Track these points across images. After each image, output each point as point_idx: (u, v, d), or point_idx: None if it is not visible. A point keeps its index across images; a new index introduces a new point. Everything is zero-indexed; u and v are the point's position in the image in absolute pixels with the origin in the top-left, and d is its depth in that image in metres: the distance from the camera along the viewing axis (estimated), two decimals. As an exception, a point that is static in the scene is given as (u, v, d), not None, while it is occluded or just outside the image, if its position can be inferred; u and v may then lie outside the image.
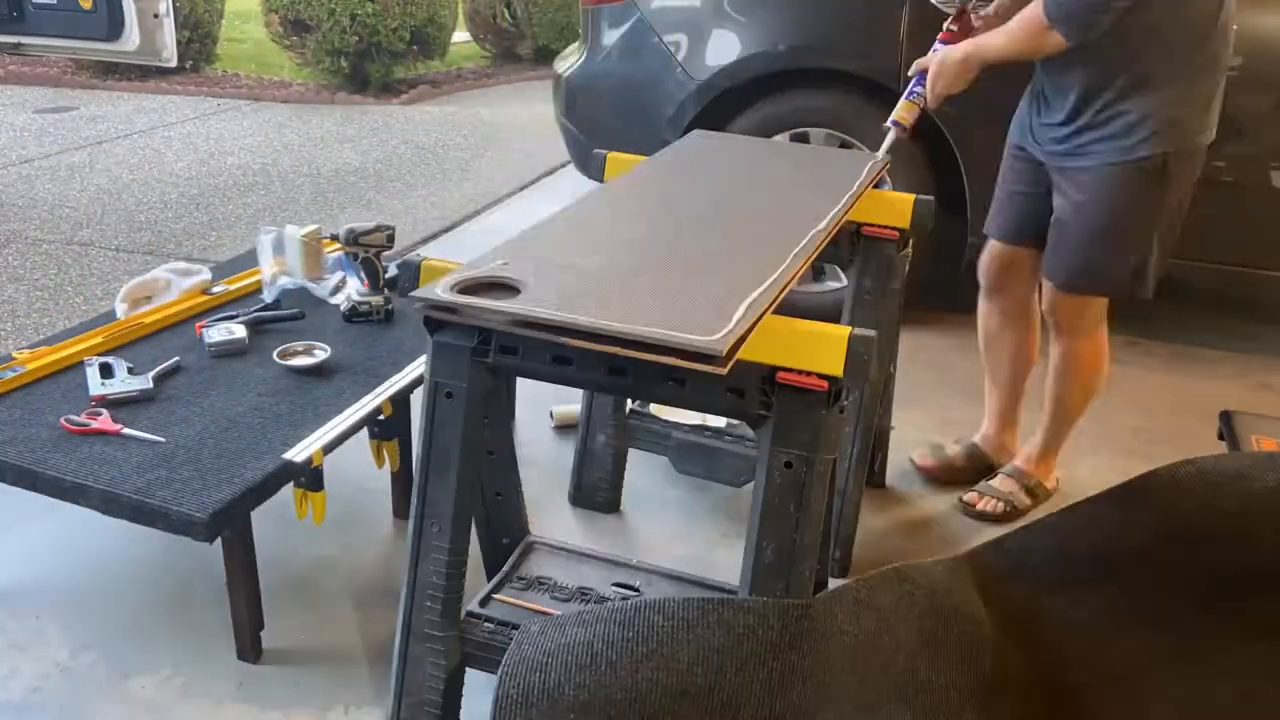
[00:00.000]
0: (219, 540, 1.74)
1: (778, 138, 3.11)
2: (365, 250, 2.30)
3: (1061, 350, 2.26)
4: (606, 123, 3.49)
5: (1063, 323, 2.22)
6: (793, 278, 1.47)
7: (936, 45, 2.19)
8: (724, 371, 1.22)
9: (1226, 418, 2.10)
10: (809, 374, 1.34)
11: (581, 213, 1.70)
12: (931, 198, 2.02)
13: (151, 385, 1.98)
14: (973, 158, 3.00)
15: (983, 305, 2.41)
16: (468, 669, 1.62)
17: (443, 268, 1.49)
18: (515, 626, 1.59)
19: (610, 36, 3.39)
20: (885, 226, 2.01)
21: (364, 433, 2.01)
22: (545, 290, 1.35)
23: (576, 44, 3.71)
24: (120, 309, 2.29)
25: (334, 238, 2.46)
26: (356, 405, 1.96)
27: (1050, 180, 2.16)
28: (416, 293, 1.36)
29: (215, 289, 2.39)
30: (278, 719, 1.75)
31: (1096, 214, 2.05)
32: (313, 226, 2.45)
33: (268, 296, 2.38)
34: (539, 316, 1.28)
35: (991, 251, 2.34)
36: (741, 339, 1.25)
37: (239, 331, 2.17)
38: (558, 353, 1.42)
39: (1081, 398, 2.29)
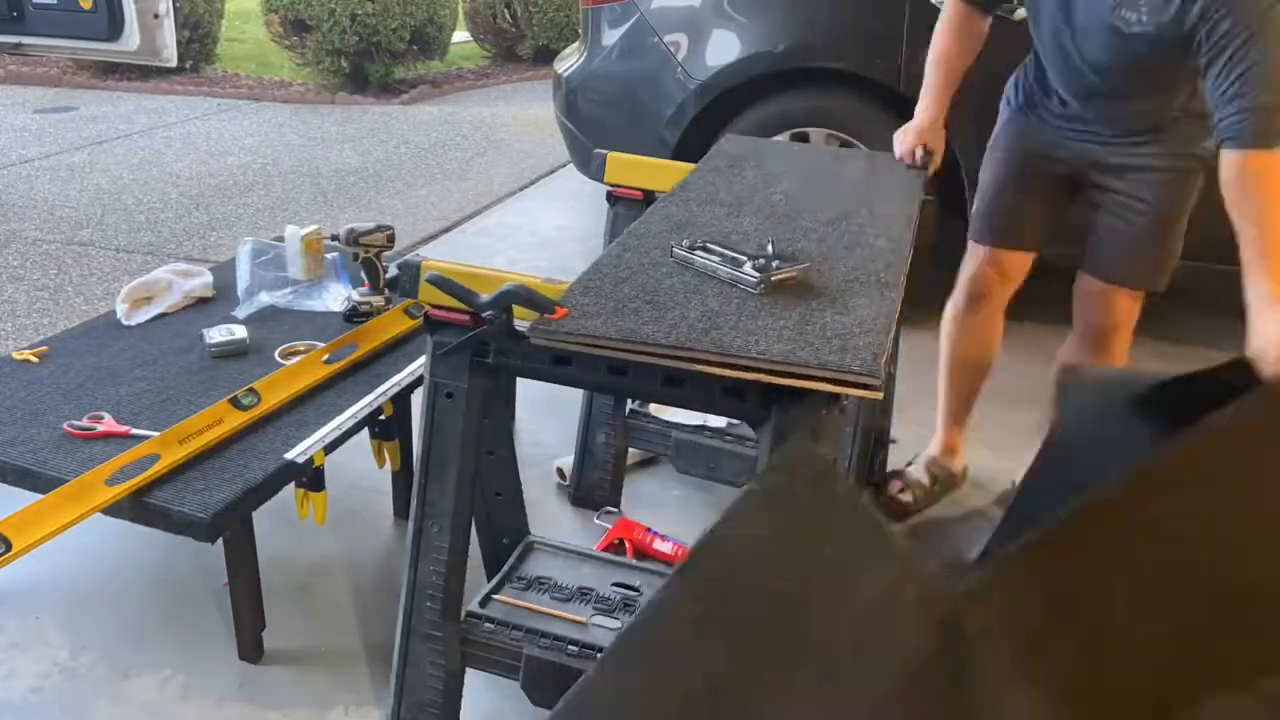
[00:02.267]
0: (220, 540, 1.74)
1: (778, 138, 3.11)
2: (365, 250, 2.30)
3: (1108, 348, 2.18)
4: (606, 123, 3.50)
5: (1123, 322, 2.15)
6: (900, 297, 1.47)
7: None
8: (879, 396, 1.26)
9: None
10: (810, 374, 1.34)
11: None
12: (932, 198, 2.02)
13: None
14: (973, 160, 3.00)
15: (968, 313, 2.33)
16: (468, 669, 1.62)
17: (443, 268, 1.49)
18: (515, 626, 1.59)
19: (610, 36, 3.40)
20: (885, 227, 2.01)
21: (365, 433, 2.01)
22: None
23: (576, 44, 3.72)
24: (121, 309, 2.29)
25: (334, 238, 2.46)
26: (357, 405, 1.97)
27: (1078, 183, 2.11)
28: (535, 329, 1.32)
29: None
30: (278, 719, 1.75)
31: (1165, 210, 2.00)
32: (313, 226, 2.45)
33: (241, 313, 2.33)
34: (683, 350, 1.28)
35: (989, 259, 2.25)
36: (887, 361, 1.27)
37: (239, 332, 2.17)
38: (558, 353, 1.41)
39: None
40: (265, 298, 2.37)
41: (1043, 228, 2.19)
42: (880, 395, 1.25)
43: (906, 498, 2.40)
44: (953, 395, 2.45)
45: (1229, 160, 1.59)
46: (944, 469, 2.47)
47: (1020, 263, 2.25)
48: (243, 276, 2.41)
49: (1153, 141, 1.97)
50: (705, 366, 1.28)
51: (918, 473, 2.45)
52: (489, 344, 1.45)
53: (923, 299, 3.02)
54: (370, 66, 7.14)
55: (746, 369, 1.27)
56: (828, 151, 2.90)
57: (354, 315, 2.31)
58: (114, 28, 4.09)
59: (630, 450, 2.38)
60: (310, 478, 1.84)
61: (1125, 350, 2.19)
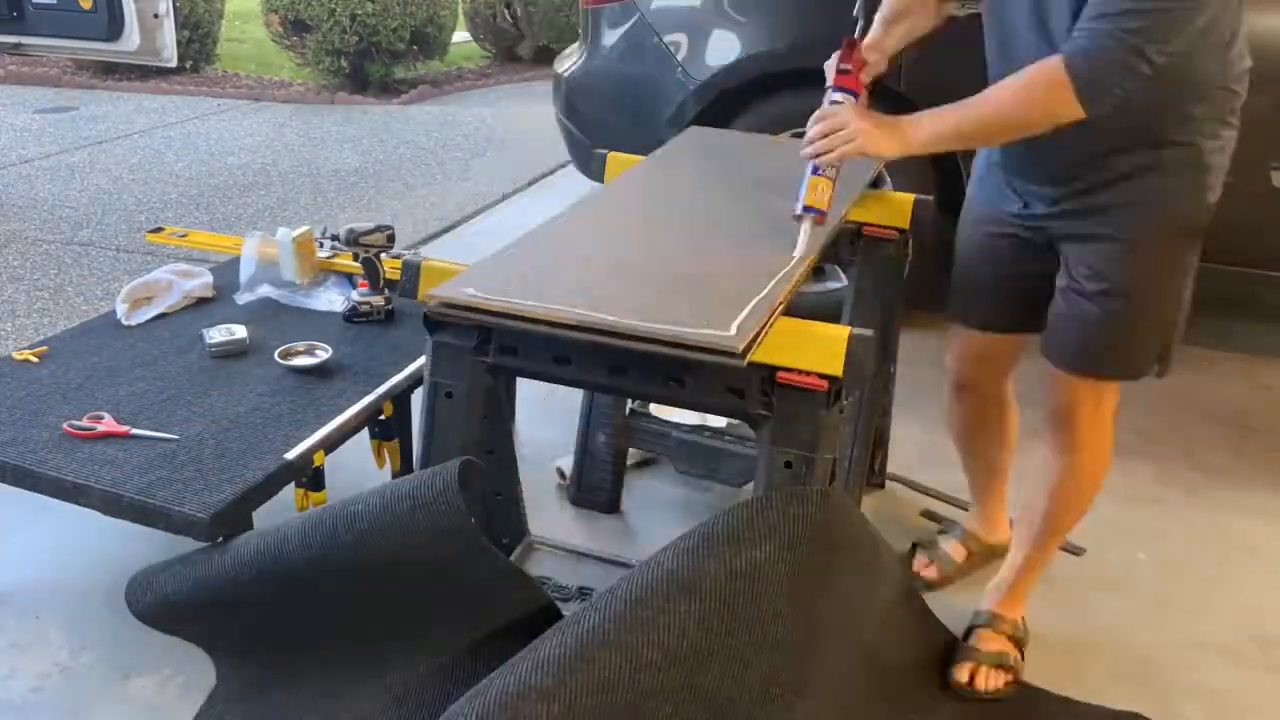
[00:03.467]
0: (220, 540, 1.74)
1: (778, 138, 3.11)
2: (365, 250, 2.30)
3: (1069, 460, 1.85)
4: (606, 123, 3.49)
5: (1082, 419, 1.81)
6: (800, 278, 1.48)
7: (831, 96, 1.70)
8: (743, 364, 1.24)
9: None
10: (809, 374, 1.34)
11: (582, 215, 1.70)
12: (931, 198, 2.02)
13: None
14: (969, 152, 2.99)
15: (955, 401, 2.07)
16: (468, 669, 1.61)
17: (443, 268, 1.49)
18: (515, 626, 1.59)
19: (610, 36, 3.39)
20: (885, 227, 2.01)
21: (364, 433, 2.01)
22: (555, 290, 1.35)
23: (576, 44, 3.71)
24: (121, 309, 2.29)
25: (334, 238, 2.46)
26: (357, 405, 1.97)
27: (1039, 252, 1.79)
28: (436, 291, 1.36)
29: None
30: (278, 719, 1.75)
31: (1126, 285, 1.67)
32: (305, 228, 2.44)
33: (241, 299, 2.34)
34: (557, 315, 1.29)
35: (968, 344, 1.98)
36: (757, 336, 1.26)
37: (239, 332, 2.17)
38: (558, 352, 1.42)
39: (1078, 514, 1.92)
40: (267, 289, 2.38)
41: (1014, 305, 1.87)
42: (743, 363, 1.24)
43: (931, 574, 2.16)
44: (970, 474, 2.21)
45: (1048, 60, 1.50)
46: (981, 541, 2.21)
47: (999, 345, 1.95)
48: (246, 268, 2.42)
49: (1112, 202, 1.65)
50: (557, 330, 1.30)
51: (948, 546, 2.20)
52: (487, 343, 1.45)
53: (923, 299, 3.03)
54: (370, 66, 7.14)
55: (599, 332, 1.28)
56: (791, 144, 2.90)
57: (354, 315, 2.31)
58: (114, 28, 4.09)
59: (630, 450, 2.38)
60: (310, 478, 1.84)
61: (1097, 438, 1.84)
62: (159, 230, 2.86)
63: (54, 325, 3.29)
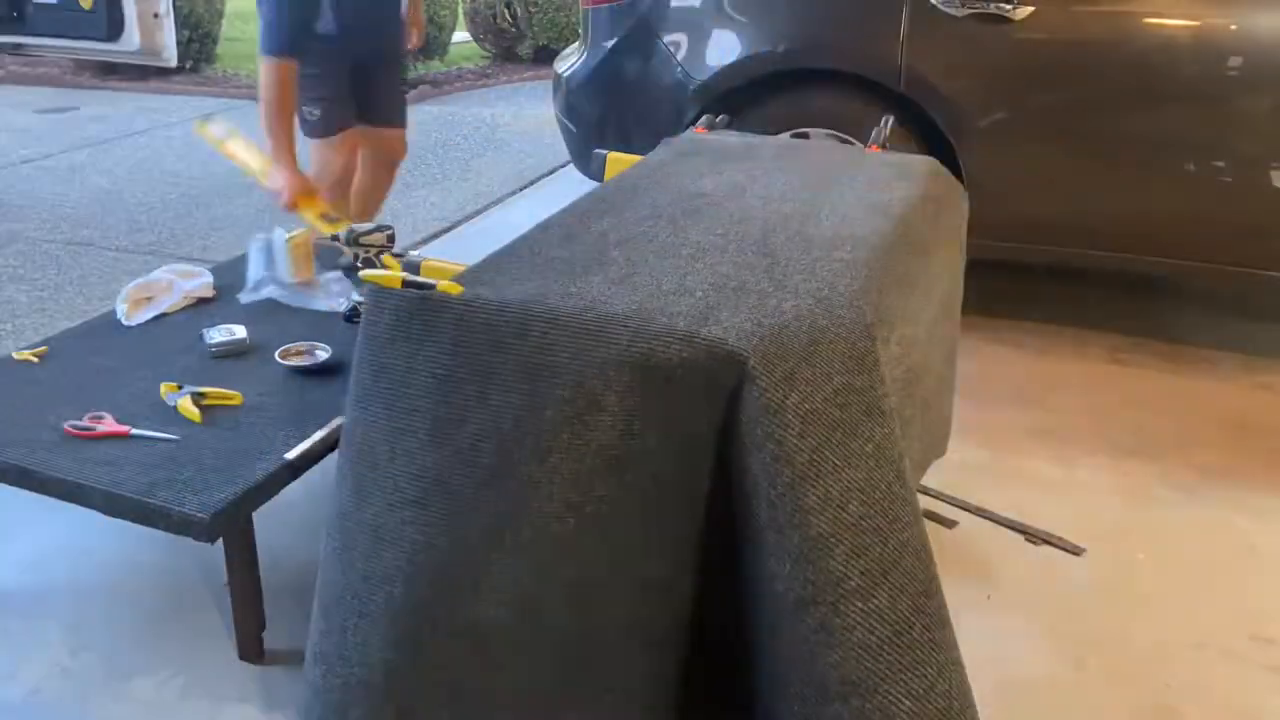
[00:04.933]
0: (220, 540, 1.74)
1: (779, 138, 3.11)
2: (365, 250, 2.31)
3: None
4: (606, 123, 3.50)
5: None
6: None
7: None
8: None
9: None
10: (809, 374, 1.34)
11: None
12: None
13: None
14: (970, 152, 3.00)
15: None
16: (468, 669, 1.61)
17: (443, 268, 1.49)
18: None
19: (610, 36, 3.40)
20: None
21: (364, 433, 2.01)
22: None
23: (576, 44, 3.72)
24: (121, 309, 2.29)
25: (335, 238, 2.46)
26: (357, 405, 1.96)
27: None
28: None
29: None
30: (278, 719, 1.75)
31: None
32: (302, 228, 2.44)
33: (244, 299, 2.35)
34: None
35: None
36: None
37: (240, 332, 2.17)
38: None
39: None
40: (270, 290, 2.38)
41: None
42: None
43: None
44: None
45: None
46: None
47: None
48: (253, 271, 2.43)
49: None
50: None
51: None
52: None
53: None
54: (370, 66, 7.14)
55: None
56: (788, 144, 2.90)
57: (354, 316, 2.31)
58: (114, 28, 4.11)
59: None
60: None
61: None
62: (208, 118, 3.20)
63: (54, 325, 3.29)
